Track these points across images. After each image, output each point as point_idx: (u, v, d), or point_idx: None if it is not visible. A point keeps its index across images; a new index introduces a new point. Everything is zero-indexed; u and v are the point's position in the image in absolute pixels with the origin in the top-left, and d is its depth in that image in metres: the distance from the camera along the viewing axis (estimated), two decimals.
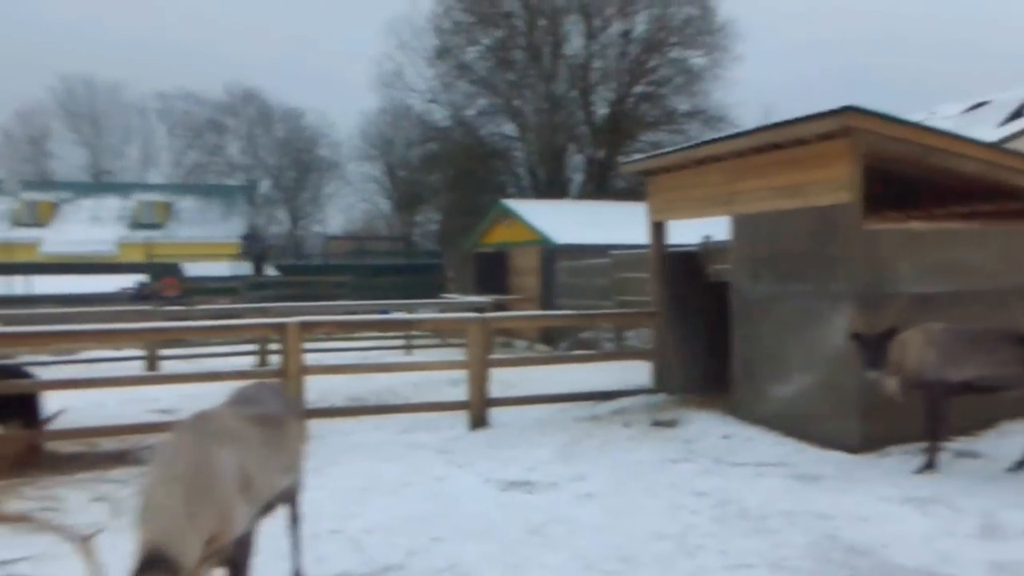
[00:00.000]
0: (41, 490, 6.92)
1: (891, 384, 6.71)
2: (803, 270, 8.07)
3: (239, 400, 4.23)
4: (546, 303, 18.81)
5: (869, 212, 7.98)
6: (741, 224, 9.04)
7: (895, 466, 6.88)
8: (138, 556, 2.93)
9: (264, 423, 3.95)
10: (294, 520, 4.55)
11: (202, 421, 3.60)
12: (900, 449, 7.22)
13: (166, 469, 3.21)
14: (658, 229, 10.70)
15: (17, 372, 8.69)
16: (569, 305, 17.47)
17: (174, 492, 3.12)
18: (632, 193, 27.50)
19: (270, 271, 27.00)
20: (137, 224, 42.26)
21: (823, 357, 7.76)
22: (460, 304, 16.51)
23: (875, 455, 7.22)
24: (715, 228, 10.81)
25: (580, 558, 5.11)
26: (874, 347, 6.69)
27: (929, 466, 6.64)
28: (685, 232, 11.82)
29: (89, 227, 41.48)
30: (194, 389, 10.23)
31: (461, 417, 9.14)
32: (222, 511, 3.28)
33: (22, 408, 8.13)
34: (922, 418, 6.70)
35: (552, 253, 19.12)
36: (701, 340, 10.08)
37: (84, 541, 3.03)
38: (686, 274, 10.59)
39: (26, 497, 6.67)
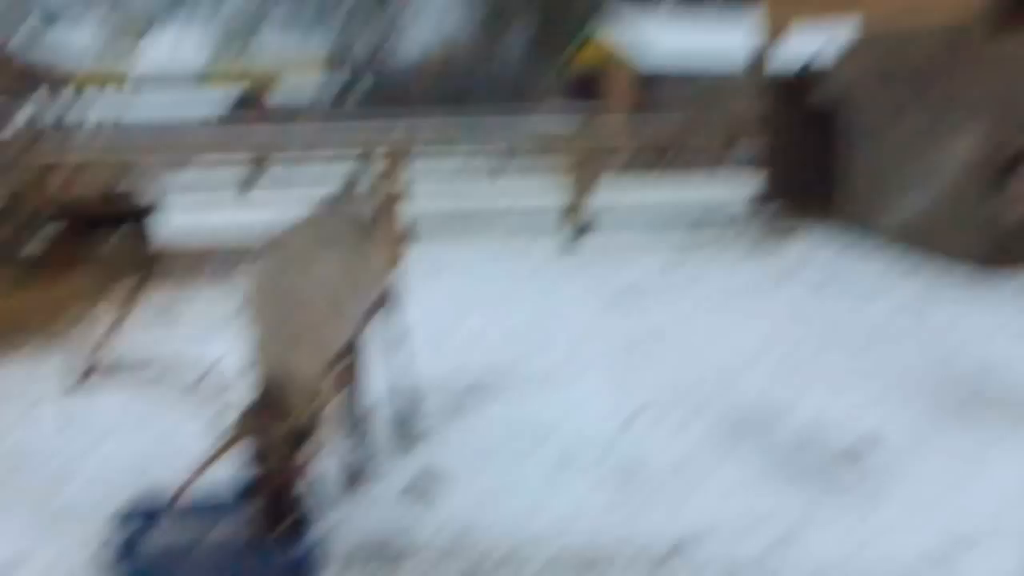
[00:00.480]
0: (162, 296, 7.29)
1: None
2: (929, 82, 7.49)
3: (327, 210, 4.00)
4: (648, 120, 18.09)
5: (1003, 24, 7.26)
6: (867, 34, 8.41)
7: (1021, 286, 6.56)
8: (250, 394, 2.81)
9: (356, 233, 3.74)
10: (392, 331, 4.38)
11: (292, 239, 3.37)
12: None
13: (266, 297, 3.04)
14: (772, 39, 10.05)
15: (131, 189, 8.97)
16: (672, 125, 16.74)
17: (277, 322, 2.95)
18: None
19: (356, 95, 26.78)
20: (225, 43, 42.11)
21: (948, 174, 7.30)
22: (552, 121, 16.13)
23: (1001, 273, 6.84)
24: (835, 38, 10.05)
25: (685, 370, 5.10)
26: (1008, 164, 6.25)
27: None
28: (801, 45, 11.00)
29: (178, 48, 41.58)
30: (292, 208, 10.45)
31: (563, 230, 9.08)
32: (325, 335, 3.14)
33: (140, 221, 8.48)
34: None
35: (647, 73, 18.26)
36: (814, 156, 9.57)
37: (194, 388, 2.98)
38: (799, 88, 9.94)
39: (149, 305, 7.03)
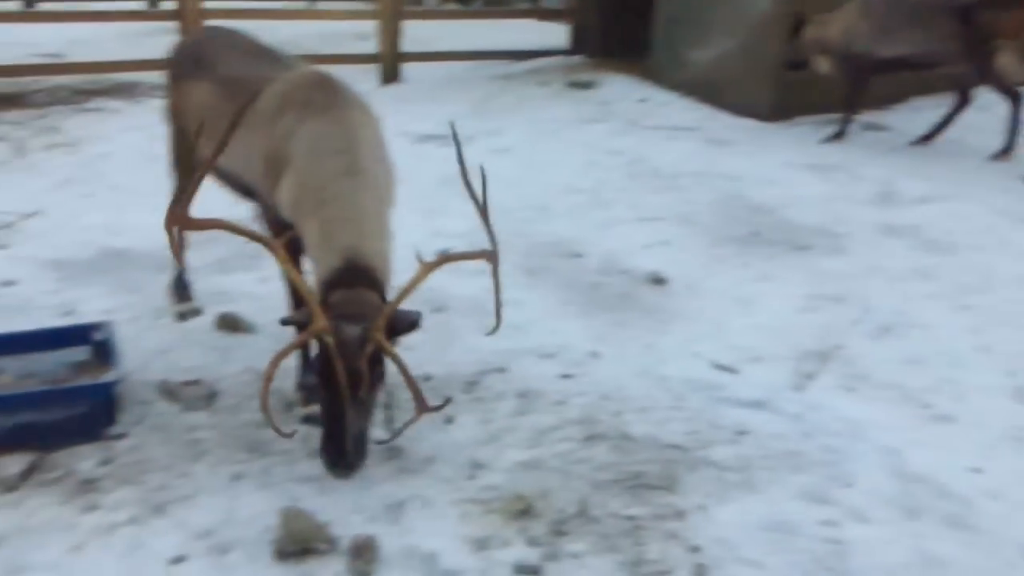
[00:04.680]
0: None
1: (823, 63, 6.70)
2: None
3: (237, 46, 3.56)
4: None
5: None
6: None
7: (804, 135, 6.97)
8: (335, 264, 2.58)
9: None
10: None
11: (332, 83, 2.98)
12: (810, 119, 7.27)
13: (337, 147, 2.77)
14: None
15: None
16: None
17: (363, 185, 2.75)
18: None
19: None
20: None
21: (746, 23, 7.50)
22: None
23: (786, 124, 7.27)
24: None
25: (494, 206, 5.15)
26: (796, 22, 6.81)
27: (838, 136, 6.74)
28: None
29: None
30: (78, 32, 9.45)
31: (371, 72, 8.71)
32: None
33: None
34: (842, 90, 6.73)
35: None
36: (623, 2, 9.56)
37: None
38: None
39: None
